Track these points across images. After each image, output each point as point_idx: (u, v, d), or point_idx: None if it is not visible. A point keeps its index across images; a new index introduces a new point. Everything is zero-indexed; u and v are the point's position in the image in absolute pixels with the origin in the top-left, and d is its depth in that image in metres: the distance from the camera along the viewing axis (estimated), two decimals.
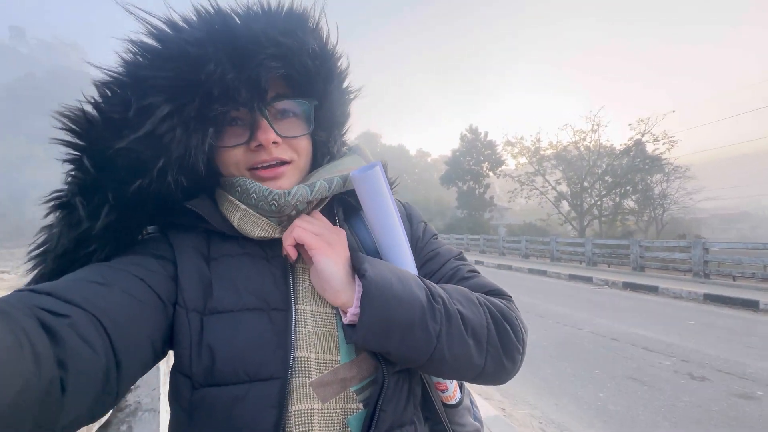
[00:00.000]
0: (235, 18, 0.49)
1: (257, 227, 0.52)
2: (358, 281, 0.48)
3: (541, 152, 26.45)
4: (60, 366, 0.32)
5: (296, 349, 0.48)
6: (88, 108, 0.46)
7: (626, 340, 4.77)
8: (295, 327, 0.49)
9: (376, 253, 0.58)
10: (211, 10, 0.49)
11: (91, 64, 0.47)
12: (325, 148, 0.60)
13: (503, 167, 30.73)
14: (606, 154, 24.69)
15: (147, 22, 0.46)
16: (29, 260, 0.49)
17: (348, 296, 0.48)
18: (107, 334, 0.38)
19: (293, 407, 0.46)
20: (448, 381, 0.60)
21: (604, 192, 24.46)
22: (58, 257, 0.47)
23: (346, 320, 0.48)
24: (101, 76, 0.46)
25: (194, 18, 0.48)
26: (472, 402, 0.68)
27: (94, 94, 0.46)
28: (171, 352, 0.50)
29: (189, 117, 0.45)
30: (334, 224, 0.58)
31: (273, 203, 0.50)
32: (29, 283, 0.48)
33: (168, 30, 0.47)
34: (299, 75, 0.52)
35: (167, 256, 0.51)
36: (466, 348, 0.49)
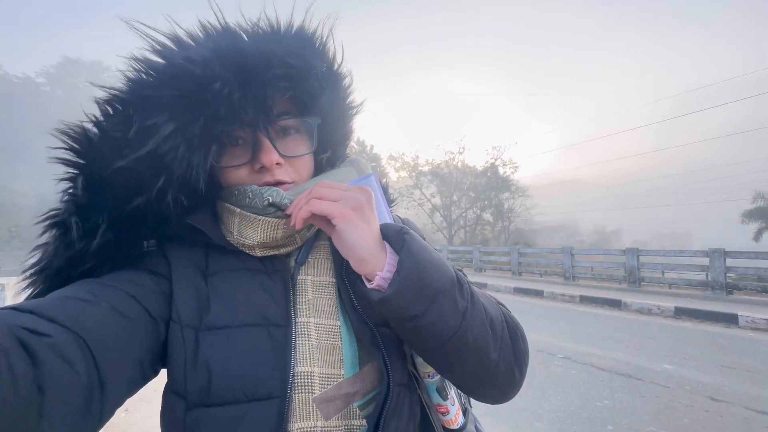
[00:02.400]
0: (243, 36, 0.48)
1: (258, 228, 0.51)
2: (390, 249, 0.45)
3: (419, 168, 29.66)
4: (38, 389, 0.31)
5: (298, 364, 0.46)
6: (89, 126, 0.45)
7: None
8: (297, 340, 0.47)
9: None
10: (219, 27, 0.48)
11: (93, 84, 0.46)
12: (328, 164, 0.61)
13: (386, 179, 32.97)
14: (470, 173, 29.21)
15: (152, 38, 0.45)
16: (24, 279, 0.47)
17: (374, 264, 0.44)
18: (91, 354, 0.36)
19: (295, 425, 0.44)
20: (449, 403, 0.55)
21: (468, 205, 28.86)
22: (53, 276, 0.46)
23: (372, 285, 0.44)
24: (102, 93, 0.45)
25: (201, 35, 0.48)
26: (479, 430, 0.63)
27: (96, 111, 0.45)
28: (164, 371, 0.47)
29: (193, 135, 0.44)
30: (328, 238, 0.56)
31: (267, 198, 0.49)
32: (26, 300, 0.46)
33: (173, 47, 0.46)
34: (305, 95, 0.51)
35: (162, 271, 0.50)
36: (485, 335, 0.46)
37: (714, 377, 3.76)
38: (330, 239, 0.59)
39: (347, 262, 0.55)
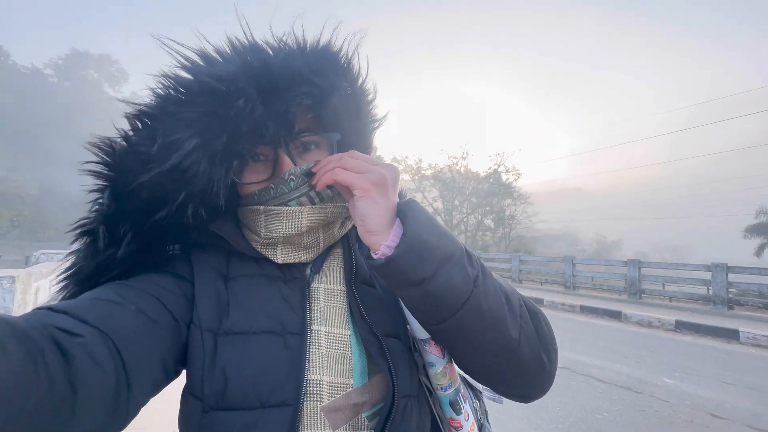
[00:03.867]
0: (269, 51, 0.49)
1: (283, 219, 0.51)
2: (398, 222, 0.46)
3: (422, 172, 29.68)
4: (71, 387, 0.32)
5: (309, 372, 0.46)
6: (118, 140, 0.47)
7: None
8: (310, 348, 0.48)
9: None
10: (246, 42, 0.49)
11: (121, 101, 0.47)
12: None
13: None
14: (473, 178, 29.23)
15: (180, 54, 0.47)
16: (58, 283, 0.50)
17: (381, 236, 0.45)
18: (119, 354, 0.38)
19: None
20: (462, 418, 0.53)
21: (470, 210, 28.84)
22: (82, 281, 0.49)
23: (377, 254, 0.45)
24: (130, 109, 0.46)
25: (228, 50, 0.49)
26: None
27: (125, 125, 0.47)
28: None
29: (215, 151, 0.45)
30: (348, 247, 0.57)
31: (291, 178, 0.50)
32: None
33: (201, 62, 0.47)
34: (327, 113, 0.51)
35: (185, 275, 0.51)
36: (500, 307, 0.45)
37: (715, 393, 3.72)
38: (343, 246, 0.59)
39: (356, 271, 0.55)
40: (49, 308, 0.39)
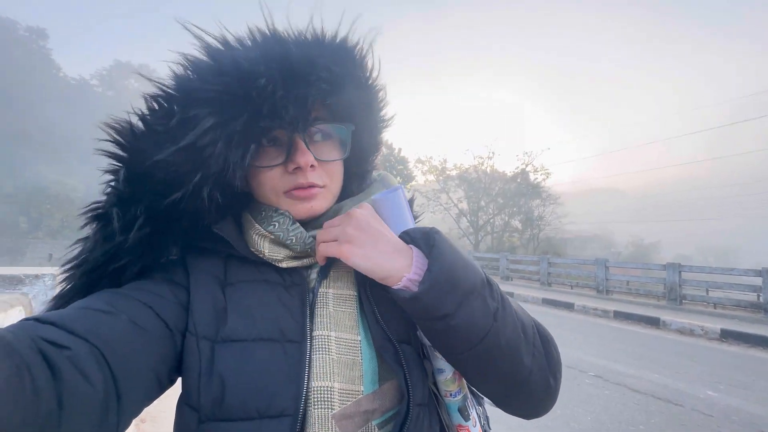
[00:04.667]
0: (290, 44, 0.50)
1: (286, 254, 0.53)
2: (417, 252, 0.46)
3: (447, 172, 29.35)
4: (57, 402, 0.31)
5: (317, 378, 0.45)
6: (135, 120, 0.47)
7: None
8: (317, 355, 0.47)
9: None
10: (267, 32, 0.50)
11: (143, 76, 0.48)
12: (356, 173, 0.62)
13: (413, 183, 33.18)
14: (499, 178, 28.59)
15: (201, 40, 0.47)
16: (63, 272, 0.49)
17: (396, 274, 0.45)
18: (108, 366, 0.37)
19: None
20: (470, 425, 0.53)
21: (496, 211, 28.22)
22: (89, 271, 0.47)
23: (398, 286, 0.45)
24: (151, 89, 0.46)
25: (248, 40, 0.49)
26: None
27: (143, 106, 0.47)
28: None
29: (233, 131, 0.45)
30: None
31: (292, 238, 0.52)
32: (54, 298, 0.49)
33: (222, 48, 0.48)
34: (342, 102, 0.52)
35: (181, 282, 0.50)
36: (517, 339, 0.46)
37: (765, 409, 3.44)
38: None
39: None
40: (37, 319, 0.38)
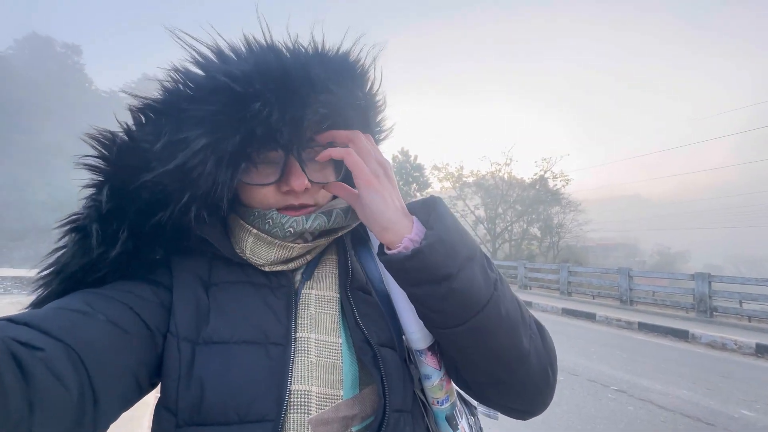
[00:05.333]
0: (287, 55, 0.47)
1: (273, 250, 0.50)
2: (416, 220, 0.45)
3: (463, 179, 29.12)
4: (29, 406, 0.30)
5: (295, 382, 0.44)
6: (120, 134, 0.45)
7: None
8: (296, 357, 0.45)
9: (381, 284, 0.56)
10: (264, 42, 0.47)
11: (127, 92, 0.46)
12: (351, 185, 0.58)
13: (429, 189, 33.09)
14: (517, 185, 28.17)
15: (194, 49, 0.44)
16: (37, 280, 0.47)
17: (398, 231, 0.43)
18: (84, 368, 0.35)
19: None
20: None
21: (514, 218, 27.75)
22: (66, 279, 0.46)
23: (396, 249, 0.43)
24: (135, 102, 0.44)
25: (243, 49, 0.46)
26: None
27: (128, 119, 0.44)
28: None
29: (224, 152, 0.43)
30: (344, 253, 0.56)
31: (289, 230, 0.49)
32: (30, 304, 0.47)
33: (215, 59, 0.45)
34: (340, 122, 0.50)
35: (163, 282, 0.49)
36: (516, 313, 0.45)
37: None
38: (338, 252, 0.58)
39: (352, 277, 0.54)
40: (9, 319, 0.36)
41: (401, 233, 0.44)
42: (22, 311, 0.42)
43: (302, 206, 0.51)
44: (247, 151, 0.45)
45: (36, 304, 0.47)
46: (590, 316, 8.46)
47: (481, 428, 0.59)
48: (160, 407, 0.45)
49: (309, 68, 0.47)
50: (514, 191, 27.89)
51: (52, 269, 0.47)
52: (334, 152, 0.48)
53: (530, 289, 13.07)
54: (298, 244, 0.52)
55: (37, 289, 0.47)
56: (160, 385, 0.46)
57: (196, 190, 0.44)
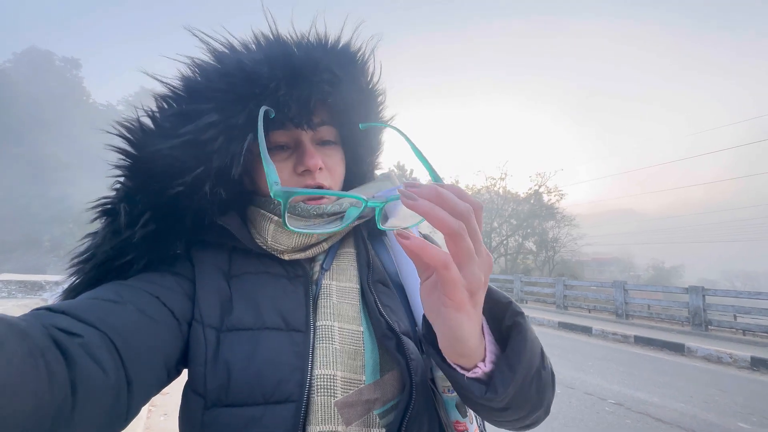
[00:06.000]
0: (293, 47, 0.51)
1: (293, 236, 0.52)
2: (489, 336, 0.39)
3: None
4: (71, 388, 0.31)
5: (321, 366, 0.46)
6: (145, 119, 0.49)
7: None
8: (320, 344, 0.47)
9: (397, 277, 0.58)
10: (271, 37, 0.52)
11: (149, 74, 0.49)
12: (356, 173, 0.63)
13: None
14: (512, 199, 28.39)
15: (208, 45, 0.50)
16: (71, 266, 0.50)
17: (469, 360, 0.38)
18: (118, 354, 0.37)
19: (316, 428, 0.44)
20: (467, 421, 0.52)
21: (510, 233, 27.86)
22: (98, 266, 0.48)
23: (471, 375, 0.38)
24: (161, 89, 0.49)
25: (253, 46, 0.51)
26: None
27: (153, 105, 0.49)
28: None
29: (234, 125, 0.46)
30: (363, 247, 0.58)
31: (314, 211, 0.51)
32: (64, 291, 0.50)
33: (228, 52, 0.50)
34: (343, 104, 0.54)
35: (186, 273, 0.51)
36: (541, 397, 0.43)
37: None
38: (355, 247, 0.60)
39: (372, 270, 0.56)
40: (48, 308, 0.38)
41: (475, 360, 0.38)
42: (57, 301, 0.44)
43: (319, 187, 0.54)
44: (256, 126, 0.46)
45: (70, 290, 0.50)
46: (586, 330, 8.45)
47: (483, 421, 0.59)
48: (189, 390, 0.46)
49: (313, 54, 0.51)
50: (509, 206, 28.08)
51: (85, 255, 0.50)
52: (415, 248, 0.33)
53: (527, 303, 13.04)
54: (312, 241, 0.54)
55: (71, 276, 0.50)
56: (187, 370, 0.47)
57: (210, 164, 0.47)
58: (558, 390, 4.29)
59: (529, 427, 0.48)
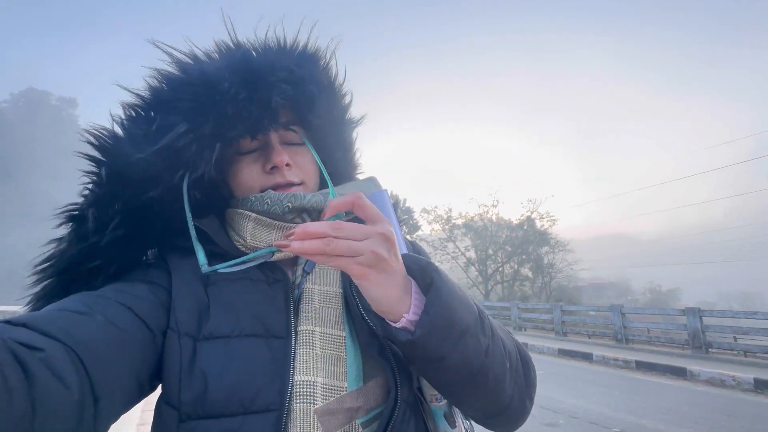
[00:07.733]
0: (253, 52, 0.54)
1: (273, 231, 0.52)
2: (415, 287, 0.43)
3: (453, 221, 29.47)
4: (31, 405, 0.30)
5: (300, 372, 0.45)
6: (114, 127, 0.50)
7: None
8: (300, 349, 0.46)
9: None
10: (231, 45, 0.54)
11: (123, 87, 0.51)
12: (334, 173, 0.63)
13: (419, 232, 33.27)
14: (505, 226, 28.55)
15: (171, 56, 0.51)
16: (34, 273, 0.48)
17: (398, 310, 0.42)
18: (84, 368, 0.35)
19: None
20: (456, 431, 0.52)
21: (505, 259, 27.77)
22: (62, 271, 0.47)
23: (397, 325, 0.42)
24: (128, 98, 0.50)
25: (216, 55, 0.53)
26: None
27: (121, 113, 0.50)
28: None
29: (203, 135, 0.48)
30: None
31: (288, 204, 0.51)
32: (29, 301, 0.49)
33: (191, 62, 0.52)
34: (305, 101, 0.55)
35: (161, 282, 0.49)
36: (503, 372, 0.45)
37: None
38: None
39: None
40: (8, 322, 0.37)
41: (399, 313, 0.42)
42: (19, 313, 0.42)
43: (290, 184, 0.54)
44: (225, 135, 0.50)
45: (34, 303, 0.49)
46: (587, 356, 8.25)
47: (472, 426, 0.58)
48: (161, 403, 0.45)
49: (271, 56, 0.53)
50: (503, 232, 28.18)
51: (49, 261, 0.48)
52: (309, 249, 0.38)
53: (525, 330, 12.79)
54: (297, 223, 0.53)
55: (33, 282, 0.48)
56: (161, 381, 0.46)
57: (185, 171, 0.49)
58: (561, 420, 4.14)
59: (510, 415, 0.48)
